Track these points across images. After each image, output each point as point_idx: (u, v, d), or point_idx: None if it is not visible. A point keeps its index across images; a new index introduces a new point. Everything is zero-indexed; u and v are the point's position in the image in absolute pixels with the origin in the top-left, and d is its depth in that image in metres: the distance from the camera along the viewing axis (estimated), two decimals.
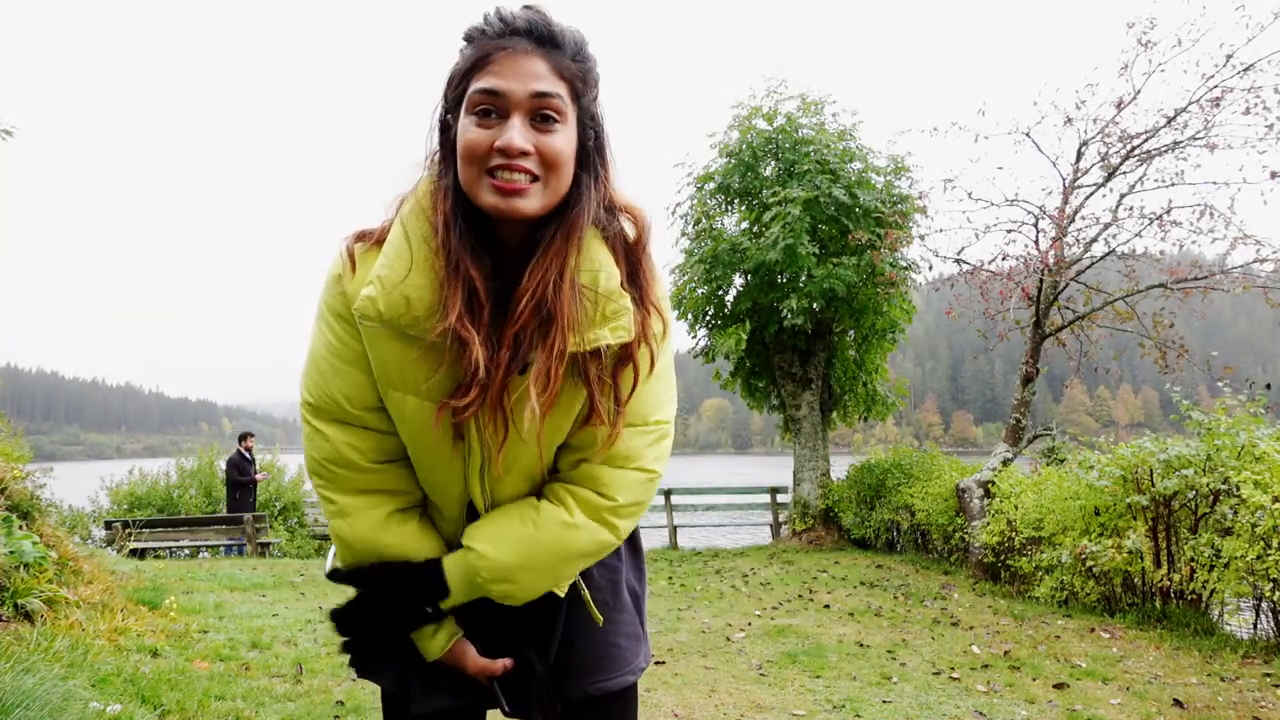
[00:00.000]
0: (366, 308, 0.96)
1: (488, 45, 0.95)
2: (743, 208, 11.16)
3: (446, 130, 1.01)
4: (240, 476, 11.29)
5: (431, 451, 1.06)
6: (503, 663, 1.14)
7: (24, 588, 3.76)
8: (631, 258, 1.05)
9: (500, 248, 1.02)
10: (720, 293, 11.07)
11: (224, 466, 12.05)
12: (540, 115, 0.94)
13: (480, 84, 0.94)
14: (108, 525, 10.82)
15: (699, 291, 10.94)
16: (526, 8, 0.98)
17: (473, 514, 1.13)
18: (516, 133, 0.92)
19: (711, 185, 11.23)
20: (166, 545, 10.80)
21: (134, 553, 9.94)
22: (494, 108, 0.94)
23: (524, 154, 0.93)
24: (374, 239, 1.02)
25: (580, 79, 0.99)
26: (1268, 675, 4.12)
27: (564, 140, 0.96)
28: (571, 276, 0.98)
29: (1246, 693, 3.87)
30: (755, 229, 10.46)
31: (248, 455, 11.45)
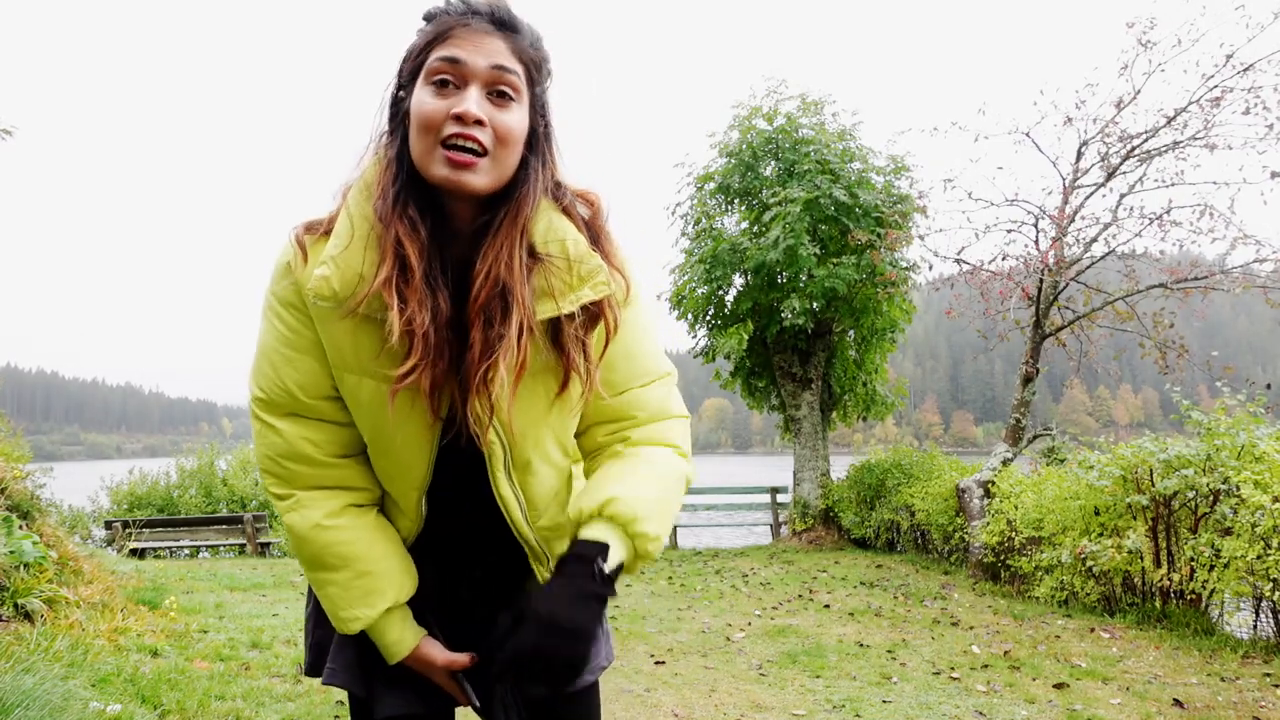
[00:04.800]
0: (321, 287, 0.95)
1: (449, 20, 0.97)
2: (743, 208, 11.17)
3: (398, 105, 1.02)
4: None
5: (389, 437, 1.04)
6: (469, 656, 1.13)
7: (24, 588, 3.76)
8: (592, 228, 1.07)
9: (452, 227, 1.02)
10: (720, 293, 11.07)
11: None
12: (497, 90, 0.96)
13: (441, 53, 0.95)
14: (108, 525, 10.84)
15: (699, 291, 10.94)
16: None
17: (433, 509, 1.12)
18: (473, 101, 0.94)
19: (711, 185, 11.24)
20: (166, 545, 10.81)
21: (134, 552, 9.97)
22: (452, 77, 0.95)
23: (479, 123, 0.94)
24: (322, 229, 1.02)
25: (535, 65, 1.01)
26: (1268, 675, 4.12)
27: (517, 118, 0.98)
28: (522, 255, 0.99)
29: (1246, 693, 3.87)
30: (755, 229, 10.46)
31: None
